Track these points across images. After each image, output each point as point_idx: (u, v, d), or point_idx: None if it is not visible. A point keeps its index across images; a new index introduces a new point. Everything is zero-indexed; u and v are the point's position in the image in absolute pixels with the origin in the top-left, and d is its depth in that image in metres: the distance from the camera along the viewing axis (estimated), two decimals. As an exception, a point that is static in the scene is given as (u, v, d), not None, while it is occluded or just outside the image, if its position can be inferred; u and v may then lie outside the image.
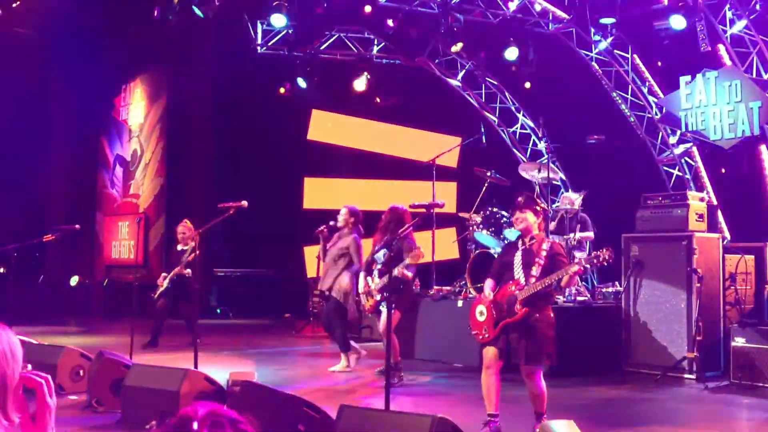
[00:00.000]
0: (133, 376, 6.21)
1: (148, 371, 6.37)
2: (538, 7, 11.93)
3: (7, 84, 16.36)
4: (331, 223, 9.02)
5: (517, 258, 5.80)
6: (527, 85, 12.59)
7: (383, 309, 7.77)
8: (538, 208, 5.92)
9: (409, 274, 7.93)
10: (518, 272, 5.73)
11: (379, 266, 8.03)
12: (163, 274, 10.68)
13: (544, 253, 5.69)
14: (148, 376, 6.19)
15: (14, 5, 14.58)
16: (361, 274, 8.27)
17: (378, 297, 7.96)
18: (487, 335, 5.70)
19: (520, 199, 5.95)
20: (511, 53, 11.60)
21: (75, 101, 19.33)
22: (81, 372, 7.29)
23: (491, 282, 5.90)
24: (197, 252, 10.02)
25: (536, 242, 5.79)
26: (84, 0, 15.72)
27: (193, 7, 10.93)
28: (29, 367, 1.75)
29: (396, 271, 7.53)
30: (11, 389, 1.69)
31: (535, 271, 5.63)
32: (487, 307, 5.73)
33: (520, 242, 5.92)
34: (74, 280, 15.99)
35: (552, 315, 5.74)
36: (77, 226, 9.94)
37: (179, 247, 10.80)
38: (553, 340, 5.67)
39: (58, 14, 15.94)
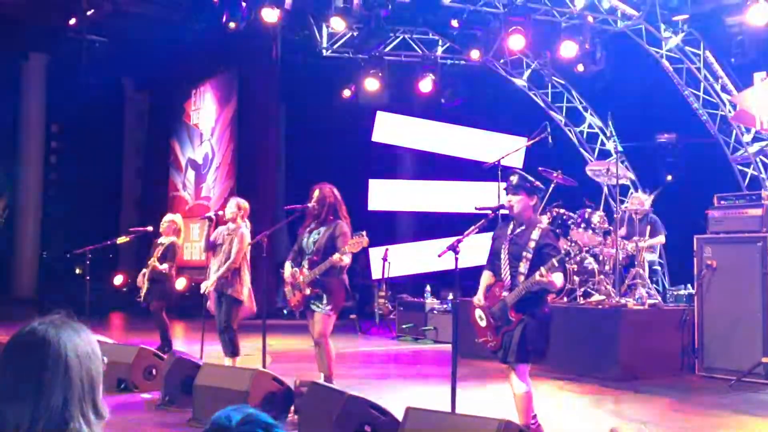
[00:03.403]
0: (204, 376, 6.34)
1: (218, 371, 6.51)
2: (606, 5, 11.72)
3: (82, 90, 16.92)
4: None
5: (504, 249, 5.21)
6: (580, 67, 11.87)
7: (315, 308, 6.65)
8: (531, 187, 5.33)
9: (347, 260, 6.67)
10: (504, 267, 5.17)
11: (309, 255, 6.77)
12: (144, 271, 9.60)
13: (532, 245, 5.05)
14: (217, 376, 6.32)
15: (88, 13, 15.03)
16: (287, 263, 6.91)
17: (308, 291, 6.64)
18: (493, 343, 5.18)
19: (512, 178, 5.35)
20: (569, 50, 11.39)
21: (146, 106, 19.89)
22: (154, 371, 7.48)
23: (488, 274, 5.34)
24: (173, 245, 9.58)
25: (525, 230, 5.18)
26: (154, 7, 16.13)
27: (261, 12, 11.11)
28: (105, 360, 1.83)
29: (334, 257, 6.53)
30: (99, 385, 1.77)
31: (523, 267, 5.01)
32: (484, 312, 5.23)
33: (509, 228, 5.30)
34: (118, 280, 16.01)
35: (546, 310, 5.13)
36: (149, 228, 10.19)
37: (160, 240, 9.75)
38: (546, 337, 5.08)
39: (130, 21, 16.40)
